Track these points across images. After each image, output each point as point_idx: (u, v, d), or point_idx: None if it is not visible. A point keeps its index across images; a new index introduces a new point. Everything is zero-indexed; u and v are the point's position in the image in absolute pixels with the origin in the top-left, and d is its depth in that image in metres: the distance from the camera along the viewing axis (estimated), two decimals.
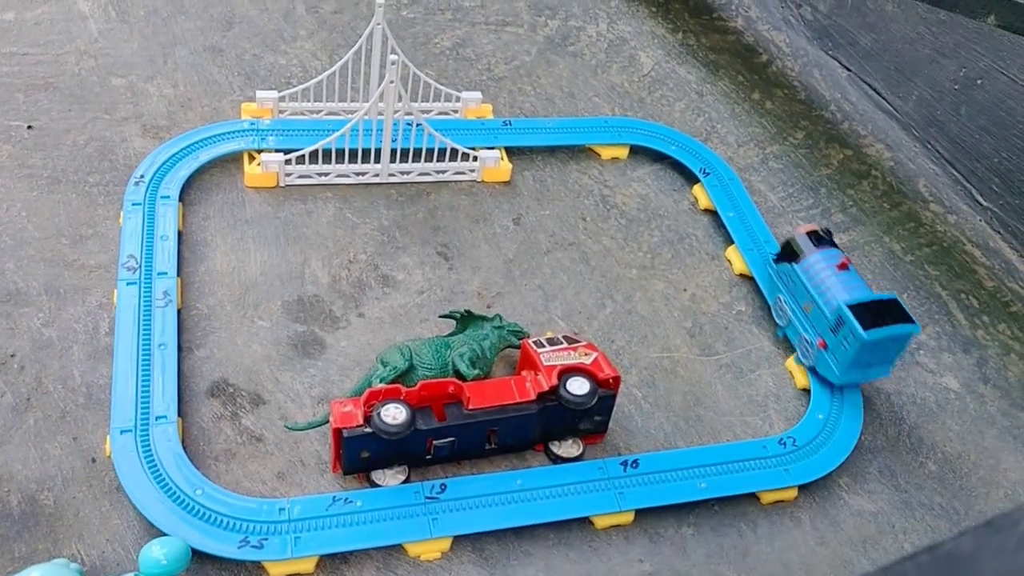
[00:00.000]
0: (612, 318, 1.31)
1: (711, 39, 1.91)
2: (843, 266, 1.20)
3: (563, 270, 1.37)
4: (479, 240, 1.39)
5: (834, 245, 1.26)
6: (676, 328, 1.31)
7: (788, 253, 1.27)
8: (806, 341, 1.23)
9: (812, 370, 1.24)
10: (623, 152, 1.59)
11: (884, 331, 1.12)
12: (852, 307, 1.14)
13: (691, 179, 1.55)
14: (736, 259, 1.41)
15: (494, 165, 1.47)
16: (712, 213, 1.50)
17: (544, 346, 1.11)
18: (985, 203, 1.55)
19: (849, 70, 1.79)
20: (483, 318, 1.19)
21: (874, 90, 1.74)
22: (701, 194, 1.52)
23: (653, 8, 1.97)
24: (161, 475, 1.01)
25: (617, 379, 1.09)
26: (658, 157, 1.59)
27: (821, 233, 1.26)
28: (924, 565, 0.37)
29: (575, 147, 1.58)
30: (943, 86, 1.60)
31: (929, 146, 1.64)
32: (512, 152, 1.52)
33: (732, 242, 1.43)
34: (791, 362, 1.28)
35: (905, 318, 1.13)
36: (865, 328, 1.11)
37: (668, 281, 1.38)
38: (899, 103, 1.68)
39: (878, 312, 1.14)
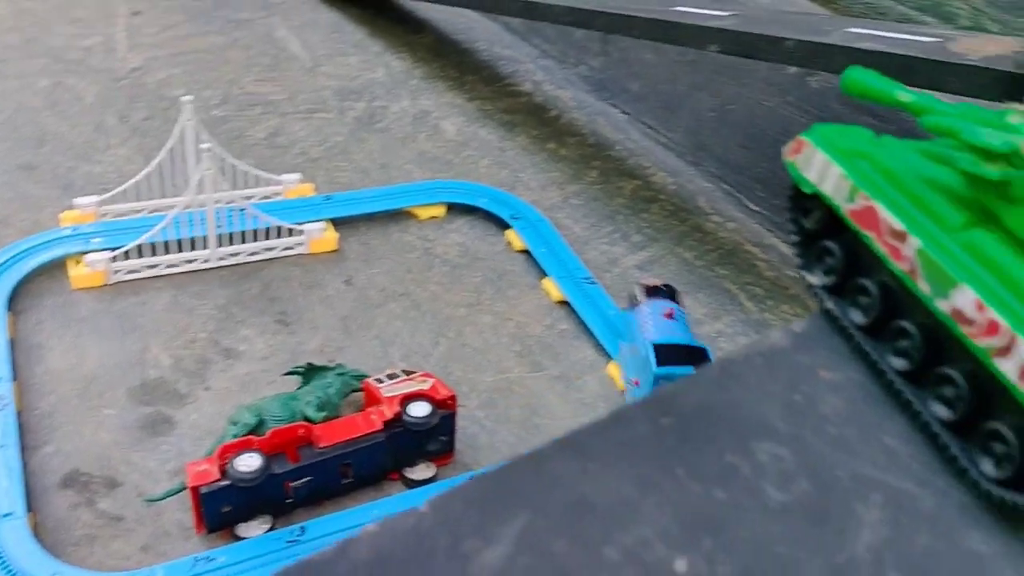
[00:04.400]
0: (447, 353, 1.42)
1: (505, 102, 2.11)
2: (669, 315, 1.30)
3: (397, 318, 1.47)
4: (314, 303, 1.47)
5: (670, 298, 1.34)
6: (506, 352, 1.44)
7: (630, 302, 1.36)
8: (629, 380, 1.34)
9: None
10: (440, 211, 1.72)
11: (673, 369, 1.20)
12: (658, 346, 1.23)
13: (503, 225, 1.71)
14: (552, 288, 1.56)
15: (320, 236, 1.57)
16: (526, 252, 1.65)
17: (384, 381, 1.21)
18: (755, 208, 1.79)
19: (627, 113, 2.03)
20: (325, 368, 1.27)
21: (649, 127, 1.97)
22: (514, 237, 1.67)
23: (450, 82, 2.15)
24: (13, 571, 1.01)
25: (453, 397, 1.19)
26: (471, 210, 1.74)
27: (661, 287, 1.36)
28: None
29: (394, 211, 1.70)
30: (703, 115, 1.85)
31: (701, 167, 1.88)
32: (336, 223, 1.63)
33: (546, 274, 1.58)
34: (612, 367, 1.42)
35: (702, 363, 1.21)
36: (659, 364, 1.21)
37: (494, 314, 1.51)
38: (671, 135, 1.93)
39: (682, 354, 1.22)
